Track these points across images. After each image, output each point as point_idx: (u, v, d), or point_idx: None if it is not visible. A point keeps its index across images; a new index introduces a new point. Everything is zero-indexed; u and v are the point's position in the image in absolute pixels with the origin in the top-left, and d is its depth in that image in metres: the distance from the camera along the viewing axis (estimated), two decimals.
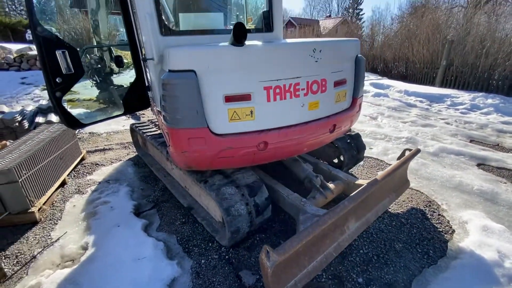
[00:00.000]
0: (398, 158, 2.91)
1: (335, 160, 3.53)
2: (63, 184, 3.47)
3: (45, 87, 8.72)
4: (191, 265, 2.16)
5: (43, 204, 2.97)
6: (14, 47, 11.89)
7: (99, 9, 4.60)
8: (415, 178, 3.48)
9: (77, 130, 5.25)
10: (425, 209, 2.82)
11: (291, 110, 2.07)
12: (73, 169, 3.83)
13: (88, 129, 5.41)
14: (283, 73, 1.96)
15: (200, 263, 2.18)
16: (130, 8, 2.32)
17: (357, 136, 3.42)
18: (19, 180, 2.62)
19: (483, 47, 8.49)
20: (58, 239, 2.54)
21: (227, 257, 2.24)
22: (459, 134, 5.02)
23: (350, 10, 40.81)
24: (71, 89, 2.26)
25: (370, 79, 10.45)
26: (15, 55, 10.43)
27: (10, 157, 2.74)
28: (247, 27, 2.60)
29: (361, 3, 39.84)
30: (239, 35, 1.71)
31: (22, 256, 2.36)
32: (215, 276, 2.06)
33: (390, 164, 3.86)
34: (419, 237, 2.42)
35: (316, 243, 1.95)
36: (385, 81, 9.84)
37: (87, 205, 3.05)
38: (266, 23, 2.50)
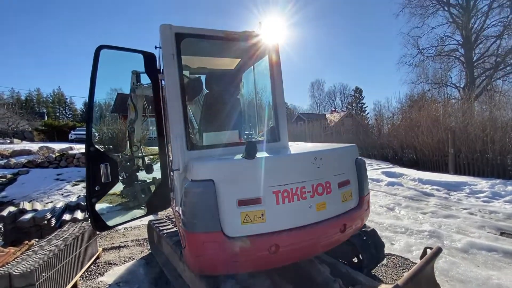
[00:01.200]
0: (420, 258, 2.76)
1: (355, 260, 3.35)
2: (75, 286, 3.40)
3: (76, 183, 9.47)
4: None
5: None
6: (57, 146, 13.68)
7: (137, 117, 5.57)
8: (447, 280, 3.15)
9: None
10: None
11: (300, 212, 2.22)
12: (86, 269, 3.81)
13: None
14: (290, 178, 2.22)
15: None
16: (163, 125, 2.89)
17: (373, 233, 3.34)
18: (36, 283, 2.66)
19: (486, 135, 8.86)
20: None
21: None
22: (487, 226, 4.71)
23: (354, 105, 45.37)
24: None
25: (381, 167, 10.67)
26: (57, 154, 11.90)
27: (34, 258, 2.87)
28: (258, 139, 3.08)
29: (362, 98, 44.61)
30: (251, 151, 2.07)
31: None
32: None
33: (416, 263, 3.57)
34: None
35: None
36: (397, 169, 9.99)
37: None
38: (274, 135, 2.96)
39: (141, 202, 5.82)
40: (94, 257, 3.98)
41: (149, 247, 4.40)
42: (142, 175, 6.33)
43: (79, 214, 4.88)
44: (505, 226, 4.70)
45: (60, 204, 5.46)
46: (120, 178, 8.10)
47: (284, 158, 2.32)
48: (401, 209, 5.82)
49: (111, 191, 8.84)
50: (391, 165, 11.10)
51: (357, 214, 2.59)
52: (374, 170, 10.14)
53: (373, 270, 3.43)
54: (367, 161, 12.44)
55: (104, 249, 4.49)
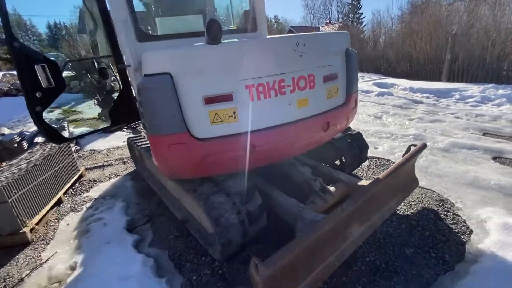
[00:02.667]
0: (404, 155, 2.71)
1: (337, 162, 3.34)
2: (59, 202, 3.41)
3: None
4: (182, 283, 2.00)
5: (37, 224, 2.90)
6: None
7: (97, 29, 4.68)
8: (425, 176, 3.23)
9: (74, 147, 5.26)
10: (438, 209, 2.58)
11: (278, 109, 1.94)
12: (70, 187, 3.78)
13: (88, 146, 5.42)
14: (265, 70, 1.84)
15: (191, 280, 2.02)
16: (111, 17, 2.29)
17: (359, 135, 3.23)
18: (9, 200, 2.56)
19: (489, 38, 8.20)
20: (47, 260, 2.43)
21: (220, 272, 2.07)
22: (471, 128, 4.73)
23: (350, 15, 40.98)
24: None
25: (373, 79, 10.25)
26: None
27: (1, 177, 2.70)
28: (231, 28, 2.52)
29: (360, 8, 40.00)
30: (213, 32, 1.61)
31: (10, 279, 2.27)
32: None
33: None
34: (432, 240, 2.18)
35: (315, 252, 1.77)
36: (389, 80, 9.61)
37: (80, 223, 2.96)
38: (249, 22, 2.41)
39: (105, 114, 5.48)
40: (76, 176, 3.91)
41: (133, 164, 4.34)
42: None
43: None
44: (489, 127, 4.72)
45: (32, 130, 5.13)
46: (96, 100, 7.59)
47: (258, 43, 1.88)
48: (388, 117, 5.74)
49: (89, 116, 8.37)
50: (383, 77, 10.66)
51: (343, 112, 2.35)
52: (366, 82, 9.75)
53: (355, 171, 3.48)
54: (359, 74, 11.89)
55: (87, 169, 4.42)
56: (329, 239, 1.86)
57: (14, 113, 8.44)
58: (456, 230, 2.27)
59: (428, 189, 2.93)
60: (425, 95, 7.21)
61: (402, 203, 2.68)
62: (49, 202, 3.16)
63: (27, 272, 2.31)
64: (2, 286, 2.20)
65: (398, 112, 6.03)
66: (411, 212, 2.56)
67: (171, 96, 1.69)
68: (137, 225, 2.85)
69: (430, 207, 2.61)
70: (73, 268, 2.28)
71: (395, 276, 1.87)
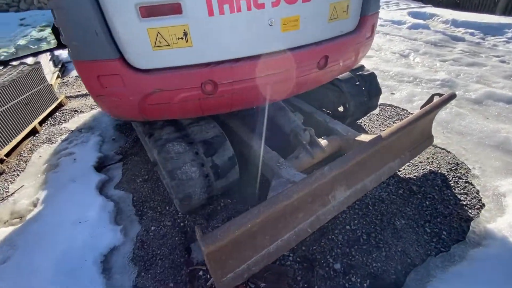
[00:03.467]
0: (423, 106, 2.16)
1: (340, 109, 2.81)
2: (35, 132, 3.21)
3: (42, 28, 8.14)
4: (138, 232, 1.84)
5: (9, 154, 2.74)
6: None
7: None
8: (443, 132, 2.70)
9: (57, 72, 4.85)
10: (449, 174, 2.15)
11: (252, 31, 1.37)
12: (49, 116, 3.54)
13: (74, 72, 4.99)
14: None
15: (148, 231, 1.84)
16: None
17: (371, 77, 2.59)
18: None
19: None
20: (13, 193, 2.33)
21: (182, 224, 1.88)
22: None
23: None
24: None
25: (410, 7, 8.49)
26: None
27: None
28: None
29: None
30: None
31: None
32: (161, 247, 1.72)
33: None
34: (431, 211, 1.84)
35: (282, 218, 1.47)
36: (429, 9, 7.91)
37: (52, 156, 2.79)
38: None
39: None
40: (55, 104, 3.61)
41: None
42: None
43: (29, 60, 4.16)
44: None
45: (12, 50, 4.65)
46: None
47: None
48: (417, 56, 4.79)
49: None
50: (423, 5, 8.80)
51: (351, 43, 1.72)
52: (400, 10, 8.11)
53: (360, 121, 2.97)
54: (393, 0, 9.91)
55: (69, 97, 4.10)
56: (303, 204, 1.54)
57: (5, 31, 7.82)
58: (464, 203, 1.89)
59: (443, 149, 2.45)
60: (469, 30, 5.90)
61: (408, 164, 2.26)
62: (22, 131, 2.95)
63: None
64: None
65: (431, 50, 5.01)
66: (415, 176, 2.16)
67: (87, 4, 1.15)
68: (107, 163, 2.64)
69: (439, 171, 2.19)
70: (35, 205, 2.17)
71: (375, 251, 1.59)
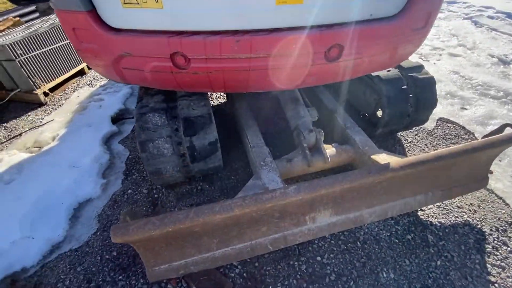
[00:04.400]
0: (486, 136, 1.61)
1: (379, 113, 2.30)
2: (83, 73, 3.53)
3: None
4: (116, 191, 1.88)
5: (53, 89, 3.09)
6: None
7: None
8: (503, 172, 2.00)
9: None
10: (491, 235, 1.60)
11: (237, 1, 1.08)
12: None
13: None
14: None
15: (125, 192, 1.87)
16: None
17: (427, 82, 2.00)
18: (16, 60, 2.65)
19: None
20: (43, 124, 2.63)
21: (156, 196, 1.85)
22: None
23: None
24: None
25: None
26: None
27: (12, 36, 2.73)
28: None
29: None
30: None
31: (15, 131, 2.57)
32: None
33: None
34: (438, 277, 1.39)
35: (236, 227, 1.28)
36: None
37: (86, 98, 3.04)
38: None
39: None
40: None
41: None
42: None
43: None
44: None
45: None
46: None
47: None
48: None
49: None
50: None
51: (385, 33, 1.26)
52: None
53: (403, 133, 2.41)
54: None
55: None
56: (266, 218, 1.31)
57: None
58: (494, 279, 1.38)
59: (500, 198, 1.82)
60: None
61: (437, 205, 1.75)
62: (68, 71, 3.26)
63: (26, 129, 2.57)
64: (7, 134, 2.52)
65: None
66: (440, 222, 1.66)
67: None
68: (125, 116, 2.75)
69: (479, 226, 1.64)
70: (54, 139, 2.41)
71: None
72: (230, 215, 1.09)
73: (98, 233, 1.61)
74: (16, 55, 2.64)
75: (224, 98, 2.94)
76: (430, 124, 2.54)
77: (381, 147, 1.97)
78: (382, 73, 1.99)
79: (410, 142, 2.36)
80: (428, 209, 1.74)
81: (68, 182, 1.88)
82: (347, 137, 1.88)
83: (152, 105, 1.68)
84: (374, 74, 2.00)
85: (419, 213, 1.72)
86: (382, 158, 1.62)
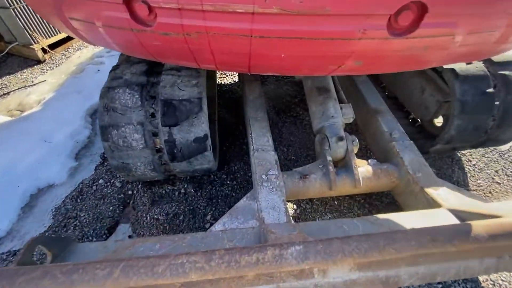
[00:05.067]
0: None
1: (439, 121, 1.70)
2: None
3: None
4: (84, 179, 1.53)
5: (53, 47, 2.76)
6: None
7: None
8: None
9: None
10: None
11: None
12: None
13: None
14: None
15: (95, 182, 1.52)
16: None
17: None
18: (11, 7, 2.32)
19: None
20: (34, 84, 2.34)
21: (129, 193, 1.47)
22: None
23: None
24: None
25: None
26: None
27: None
28: None
29: None
30: None
31: (5, 88, 2.31)
32: (88, 210, 1.37)
33: None
34: None
35: None
36: None
37: (87, 60, 2.70)
38: None
39: None
40: None
41: None
42: None
43: None
44: None
45: None
46: None
47: None
48: None
49: None
50: None
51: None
52: None
53: (469, 152, 1.79)
54: None
55: None
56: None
57: None
58: None
59: None
60: None
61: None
62: None
63: (16, 88, 2.29)
64: None
65: None
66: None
67: None
68: None
69: None
70: (38, 103, 2.11)
71: None
72: (180, 281, 0.65)
73: (49, 231, 1.28)
74: (10, 3, 2.30)
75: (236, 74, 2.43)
76: (505, 147, 1.87)
77: (432, 166, 1.42)
78: (459, 66, 1.36)
79: (474, 164, 1.74)
80: (497, 276, 1.19)
81: (32, 160, 1.56)
82: (391, 152, 1.33)
83: (128, 77, 1.25)
84: (445, 65, 1.38)
85: (482, 278, 1.19)
86: (444, 196, 1.07)
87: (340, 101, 1.45)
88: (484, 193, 1.59)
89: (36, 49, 2.56)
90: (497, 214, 0.87)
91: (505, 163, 1.78)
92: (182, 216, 1.34)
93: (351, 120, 1.40)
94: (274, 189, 1.12)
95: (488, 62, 1.42)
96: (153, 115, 1.17)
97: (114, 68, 1.32)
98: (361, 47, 0.75)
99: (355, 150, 1.27)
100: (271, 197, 1.09)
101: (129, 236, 1.30)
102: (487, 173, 1.70)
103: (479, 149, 1.84)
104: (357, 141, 1.28)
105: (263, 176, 1.16)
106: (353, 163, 1.22)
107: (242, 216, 1.05)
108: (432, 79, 1.59)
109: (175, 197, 1.43)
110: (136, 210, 1.40)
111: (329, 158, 1.22)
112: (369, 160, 1.31)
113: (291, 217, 1.22)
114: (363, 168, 1.25)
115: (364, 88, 1.66)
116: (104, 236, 1.28)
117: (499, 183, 1.64)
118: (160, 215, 1.34)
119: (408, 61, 0.83)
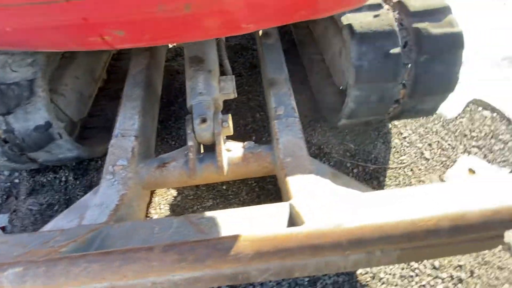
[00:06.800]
0: None
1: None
2: None
3: None
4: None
5: None
6: None
7: None
8: None
9: None
10: None
11: None
12: None
13: None
14: None
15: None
16: None
17: (442, 41, 1.06)
18: None
19: None
20: None
21: (16, 181, 1.41)
22: None
23: None
24: None
25: None
26: None
27: None
28: None
29: None
30: None
31: None
32: None
33: None
34: None
35: None
36: None
37: None
38: None
39: None
40: None
41: None
42: None
43: None
44: None
45: None
46: None
47: None
48: None
49: None
50: None
51: None
52: None
53: (400, 122, 1.55)
54: None
55: None
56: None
57: None
58: None
59: None
60: None
61: None
62: None
63: None
64: None
65: None
66: None
67: None
68: None
69: None
70: None
71: None
72: None
73: None
74: None
75: None
76: (452, 109, 1.61)
77: (352, 142, 1.25)
78: (360, 20, 1.08)
79: (405, 137, 1.52)
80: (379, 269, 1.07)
81: None
82: (272, 132, 1.15)
83: None
84: (345, 20, 1.10)
85: (361, 271, 1.07)
86: (300, 187, 0.91)
87: (224, 73, 1.24)
88: (405, 172, 1.40)
89: None
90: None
91: (446, 134, 1.55)
92: (57, 206, 1.28)
93: (231, 96, 1.20)
94: (116, 182, 1.00)
95: (403, 12, 1.13)
96: None
97: None
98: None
99: (227, 132, 1.10)
100: (108, 192, 0.98)
101: (3, 227, 1.27)
102: (417, 147, 1.48)
103: (419, 119, 1.60)
104: (230, 122, 1.10)
105: (109, 168, 1.04)
106: (219, 148, 1.06)
107: (76, 214, 0.96)
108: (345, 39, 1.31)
109: (55, 186, 1.36)
110: (18, 199, 1.35)
111: (190, 143, 1.06)
112: (245, 143, 1.14)
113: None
114: (232, 153, 1.09)
115: (268, 54, 1.41)
116: None
117: (427, 159, 1.44)
118: (34, 205, 1.28)
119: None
